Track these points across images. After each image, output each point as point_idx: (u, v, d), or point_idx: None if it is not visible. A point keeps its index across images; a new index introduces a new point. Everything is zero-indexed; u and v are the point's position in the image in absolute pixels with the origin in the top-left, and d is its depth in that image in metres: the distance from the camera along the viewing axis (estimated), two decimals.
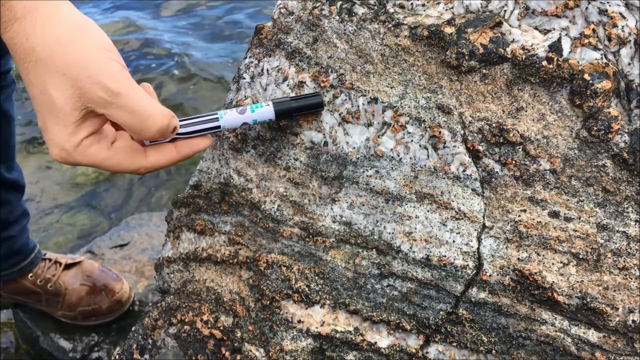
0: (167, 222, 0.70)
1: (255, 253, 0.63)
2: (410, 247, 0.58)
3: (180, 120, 0.52)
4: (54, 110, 0.44)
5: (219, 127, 0.54)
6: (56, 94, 0.44)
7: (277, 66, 0.63)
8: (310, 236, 0.61)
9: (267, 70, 0.64)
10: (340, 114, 0.61)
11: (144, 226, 1.50)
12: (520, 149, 0.55)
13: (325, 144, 0.61)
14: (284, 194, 0.62)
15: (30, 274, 1.25)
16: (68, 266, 1.30)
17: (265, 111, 0.55)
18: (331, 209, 0.61)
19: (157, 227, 1.48)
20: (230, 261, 0.64)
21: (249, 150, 0.64)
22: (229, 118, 0.54)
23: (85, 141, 0.46)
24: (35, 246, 1.26)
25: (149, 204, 1.67)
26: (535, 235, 0.55)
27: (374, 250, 0.59)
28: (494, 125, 0.56)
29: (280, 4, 0.68)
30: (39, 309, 1.29)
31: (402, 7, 0.60)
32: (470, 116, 0.57)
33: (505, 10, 0.56)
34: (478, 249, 0.57)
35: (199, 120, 0.53)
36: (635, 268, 0.52)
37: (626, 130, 0.52)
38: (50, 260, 1.29)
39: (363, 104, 0.60)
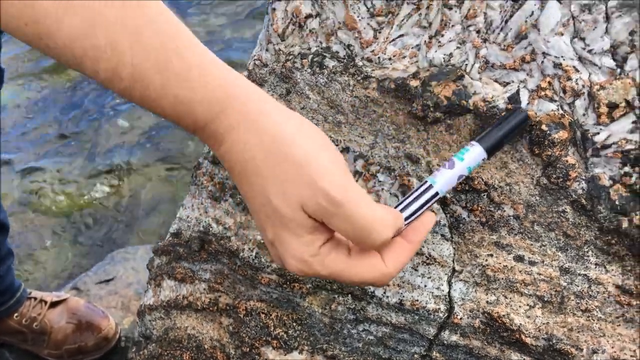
0: (148, 269, 0.71)
1: (235, 300, 0.64)
2: (384, 292, 0.60)
3: (395, 207, 0.46)
4: (284, 220, 0.40)
5: (436, 194, 0.47)
6: (281, 203, 0.40)
7: None
8: (288, 282, 0.63)
9: None
10: None
11: (130, 260, 1.50)
12: (485, 196, 0.58)
13: None
14: (262, 241, 0.64)
15: (16, 314, 1.25)
16: (53, 304, 1.30)
17: (475, 154, 0.49)
18: None
19: (143, 261, 1.49)
20: (211, 308, 0.65)
21: (226, 199, 0.66)
22: (442, 179, 0.47)
23: (323, 249, 0.41)
24: (20, 285, 1.27)
25: (134, 237, 1.68)
26: (502, 278, 0.57)
27: (349, 295, 0.61)
28: None
29: (254, 55, 0.70)
30: (24, 349, 1.29)
31: (369, 60, 0.62)
32: (437, 165, 0.59)
33: (466, 64, 0.59)
34: (449, 292, 0.59)
35: (413, 197, 0.46)
36: (597, 310, 0.54)
37: (583, 178, 0.55)
38: (35, 299, 1.29)
39: None
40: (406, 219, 0.46)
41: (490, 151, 0.49)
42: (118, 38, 0.38)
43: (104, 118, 2.10)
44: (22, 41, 0.39)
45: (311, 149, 0.41)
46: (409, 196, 0.47)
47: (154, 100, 0.40)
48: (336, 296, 0.61)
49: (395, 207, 0.46)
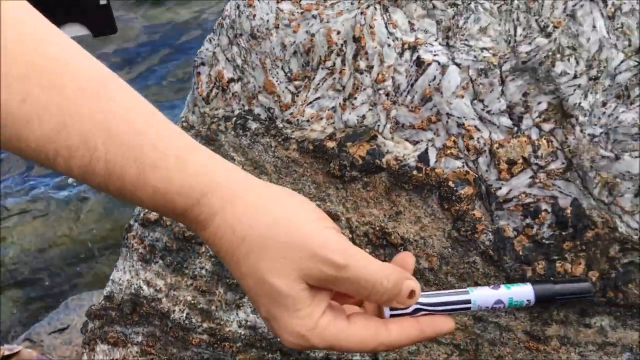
0: (82, 333, 0.71)
1: None
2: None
3: (424, 292, 0.46)
4: (279, 297, 0.40)
5: (468, 301, 0.46)
6: (278, 281, 0.40)
7: None
8: (219, 342, 0.64)
9: None
10: None
11: (85, 306, 1.48)
12: (402, 250, 0.60)
13: None
14: (192, 302, 0.65)
15: None
16: (5, 358, 1.27)
17: (523, 291, 0.47)
18: (237, 314, 0.64)
19: None
20: None
21: (157, 261, 0.67)
22: (480, 294, 0.47)
23: (321, 321, 0.41)
24: None
25: (88, 282, 1.66)
26: None
27: (279, 352, 0.62)
28: (377, 228, 0.61)
29: (182, 117, 0.72)
30: None
31: (289, 122, 0.65)
32: (356, 221, 0.62)
33: (379, 125, 0.62)
34: None
35: (445, 292, 0.46)
36: (509, 356, 0.57)
37: (490, 230, 0.58)
38: None
39: None
40: (427, 306, 0.45)
41: (539, 298, 0.47)
42: (90, 135, 0.37)
43: None
44: None
45: (304, 221, 0.41)
46: (442, 291, 0.47)
47: (131, 192, 0.39)
48: (265, 353, 0.63)
49: (422, 291, 0.45)
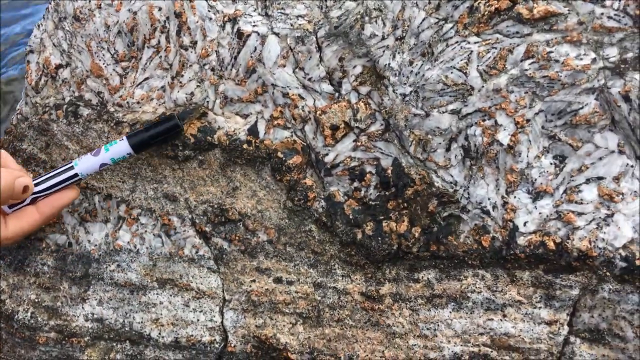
0: None
1: None
2: (159, 333, 0.61)
3: (34, 179, 0.49)
4: None
5: (76, 175, 0.51)
6: None
7: None
8: (66, 338, 0.62)
9: None
10: (79, 214, 0.63)
11: None
12: (241, 225, 0.60)
13: (70, 244, 0.63)
14: (36, 300, 0.63)
15: None
16: None
17: (121, 147, 0.53)
18: (82, 308, 0.62)
19: None
20: None
21: None
22: (84, 164, 0.52)
23: None
24: None
25: None
26: (266, 301, 0.60)
27: (127, 341, 0.61)
28: (215, 206, 0.60)
29: (18, 109, 0.69)
30: None
31: (120, 105, 0.63)
32: (194, 200, 0.61)
33: (208, 101, 0.61)
34: (222, 322, 0.60)
35: (53, 173, 0.50)
36: (348, 318, 0.58)
37: (322, 197, 0.58)
38: None
39: (99, 201, 0.62)
40: (42, 191, 0.50)
41: (137, 148, 0.54)
42: None
43: None
44: None
45: None
46: (50, 172, 0.51)
47: None
48: (114, 344, 0.61)
49: (34, 180, 0.50)
